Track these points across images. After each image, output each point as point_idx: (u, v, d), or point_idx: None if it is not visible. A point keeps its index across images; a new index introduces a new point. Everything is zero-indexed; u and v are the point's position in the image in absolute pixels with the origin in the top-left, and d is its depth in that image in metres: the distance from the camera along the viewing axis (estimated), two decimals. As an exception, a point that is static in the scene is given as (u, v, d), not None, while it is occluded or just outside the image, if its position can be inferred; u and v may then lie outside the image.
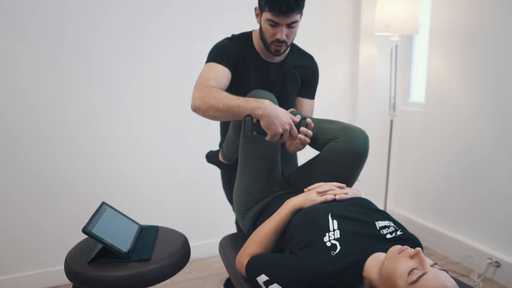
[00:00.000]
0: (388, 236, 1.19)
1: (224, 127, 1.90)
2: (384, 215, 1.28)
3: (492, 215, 2.37)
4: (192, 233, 2.15)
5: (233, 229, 2.35)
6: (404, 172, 3.01)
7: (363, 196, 1.40)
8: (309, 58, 1.79)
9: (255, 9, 1.62)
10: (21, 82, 2.15)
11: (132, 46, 2.34)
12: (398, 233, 1.21)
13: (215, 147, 2.03)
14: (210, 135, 2.16)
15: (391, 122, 2.78)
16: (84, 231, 1.23)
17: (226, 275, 2.42)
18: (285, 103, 1.68)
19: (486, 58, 2.34)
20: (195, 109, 1.46)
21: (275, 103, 1.43)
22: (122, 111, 2.38)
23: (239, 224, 1.60)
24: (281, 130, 1.35)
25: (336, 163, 1.42)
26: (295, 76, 1.71)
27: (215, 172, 2.38)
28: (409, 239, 1.20)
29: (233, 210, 2.14)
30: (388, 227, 1.22)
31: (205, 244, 2.62)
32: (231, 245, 1.57)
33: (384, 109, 2.91)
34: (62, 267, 2.33)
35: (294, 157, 1.92)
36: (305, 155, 2.05)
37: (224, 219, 2.59)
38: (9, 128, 2.15)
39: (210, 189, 2.63)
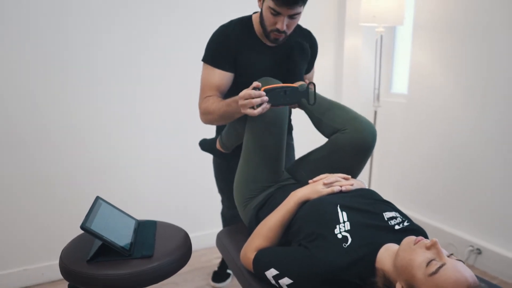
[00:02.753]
0: (396, 227, 1.19)
1: None
2: (391, 206, 1.28)
3: (473, 203, 2.44)
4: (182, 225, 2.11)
5: (219, 221, 2.32)
6: (387, 162, 3.05)
7: (367, 187, 1.40)
8: (309, 33, 1.77)
9: None
10: (21, 80, 2.07)
11: (132, 44, 2.29)
12: (405, 223, 1.21)
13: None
14: (205, 127, 2.10)
15: (375, 113, 2.80)
16: (83, 227, 1.17)
17: (214, 268, 2.39)
18: (295, 75, 1.63)
19: (469, 50, 2.38)
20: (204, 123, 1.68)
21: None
22: (121, 107, 2.33)
23: (240, 214, 1.56)
24: (241, 105, 1.33)
25: (342, 155, 1.41)
26: (303, 46, 1.65)
27: (200, 164, 2.36)
28: (416, 230, 1.21)
29: (222, 201, 2.13)
30: (395, 218, 1.22)
31: (191, 237, 2.56)
32: (230, 238, 1.53)
33: (368, 100, 2.93)
34: (41, 264, 2.24)
35: (291, 148, 1.90)
36: (304, 145, 2.05)
37: (210, 212, 2.56)
38: (8, 123, 2.08)
39: (193, 182, 2.59)
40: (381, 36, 2.63)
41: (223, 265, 2.36)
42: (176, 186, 2.57)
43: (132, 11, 2.27)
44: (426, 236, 1.19)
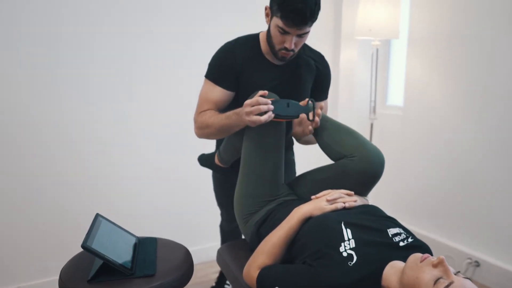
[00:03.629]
0: (401, 243, 1.19)
1: None
2: (394, 222, 1.28)
3: (471, 215, 2.45)
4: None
5: (216, 235, 2.30)
6: (384, 175, 3.04)
7: (370, 203, 1.40)
8: (321, 57, 1.71)
9: (266, 8, 1.52)
10: (19, 86, 2.06)
11: (122, 52, 2.27)
12: (410, 240, 1.21)
13: (207, 151, 1.97)
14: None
15: (371, 125, 2.81)
16: (84, 247, 1.15)
17: (211, 284, 2.36)
18: (300, 91, 1.61)
19: (463, 62, 2.41)
20: (198, 137, 1.66)
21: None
22: (116, 113, 2.32)
23: (241, 229, 1.55)
24: (245, 117, 1.36)
25: (348, 181, 1.40)
26: (309, 63, 1.62)
27: (196, 177, 2.35)
28: (420, 246, 1.20)
29: (221, 214, 2.11)
30: (399, 234, 1.22)
31: (188, 252, 2.55)
32: (231, 254, 1.52)
33: (364, 113, 2.94)
34: (35, 282, 2.20)
35: (292, 163, 1.89)
36: (305, 161, 2.05)
37: (206, 225, 2.55)
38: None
39: (190, 195, 2.57)
40: (377, 50, 2.66)
41: (220, 280, 2.33)
42: (171, 200, 2.54)
43: (126, 14, 2.26)
44: (430, 252, 1.18)
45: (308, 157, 2.08)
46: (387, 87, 3.05)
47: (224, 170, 1.82)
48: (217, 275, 2.41)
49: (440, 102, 2.57)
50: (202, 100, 1.62)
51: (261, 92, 1.36)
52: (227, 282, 2.32)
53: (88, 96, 2.23)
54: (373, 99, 2.78)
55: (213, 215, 2.36)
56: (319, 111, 1.47)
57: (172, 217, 2.55)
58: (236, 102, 1.61)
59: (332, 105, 3.00)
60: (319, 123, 1.48)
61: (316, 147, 1.56)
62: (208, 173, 2.02)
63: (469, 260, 2.43)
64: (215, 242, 2.56)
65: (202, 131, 1.60)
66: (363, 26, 2.54)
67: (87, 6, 2.15)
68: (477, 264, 2.39)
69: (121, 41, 2.27)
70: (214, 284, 2.34)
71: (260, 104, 1.33)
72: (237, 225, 2.11)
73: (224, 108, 1.62)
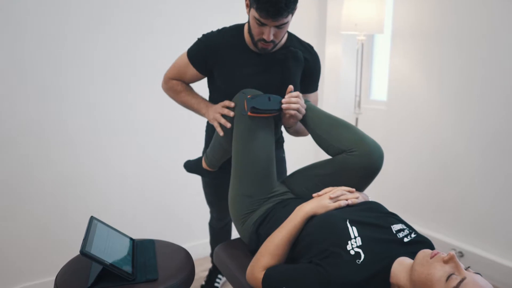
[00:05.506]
0: (405, 239, 1.19)
1: (209, 134, 1.81)
2: (397, 218, 1.28)
3: (454, 207, 2.50)
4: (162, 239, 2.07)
5: (204, 232, 2.27)
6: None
7: (370, 199, 1.40)
8: (310, 48, 1.69)
9: (245, 0, 1.50)
10: (14, 85, 2.00)
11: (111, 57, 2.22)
12: (413, 235, 1.22)
13: (198, 149, 1.94)
14: (196, 136, 2.06)
15: (356, 119, 2.83)
16: (83, 253, 1.09)
17: (201, 282, 2.32)
18: (288, 85, 1.59)
19: (446, 57, 2.45)
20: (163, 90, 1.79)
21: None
22: (111, 114, 2.28)
23: (237, 230, 1.51)
24: (212, 118, 1.55)
25: (349, 176, 1.39)
26: (297, 55, 1.59)
27: (184, 176, 2.30)
28: (423, 242, 1.21)
29: (211, 212, 2.08)
30: (403, 230, 1.22)
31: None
32: (229, 254, 1.48)
33: (349, 107, 2.96)
34: (22, 285, 2.12)
35: (283, 161, 1.87)
36: (295, 158, 2.03)
37: (193, 223, 2.53)
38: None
39: (178, 193, 2.52)
40: (362, 44, 2.66)
41: (210, 278, 2.30)
42: (160, 197, 2.50)
43: (127, 14, 2.23)
44: (433, 247, 1.19)
45: (298, 154, 2.07)
46: (370, 82, 3.07)
47: (212, 174, 1.80)
48: (206, 273, 2.38)
49: (423, 96, 2.60)
50: (175, 67, 1.72)
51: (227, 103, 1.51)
52: (217, 280, 2.29)
53: (86, 97, 2.19)
54: (358, 93, 2.79)
55: (201, 212, 2.33)
56: (292, 99, 1.45)
57: (159, 215, 2.50)
58: (222, 91, 1.63)
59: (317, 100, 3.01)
60: (303, 111, 1.48)
61: (305, 144, 1.55)
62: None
63: (453, 251, 2.47)
64: (203, 239, 2.54)
65: (168, 91, 1.76)
66: (349, 21, 2.54)
67: (91, 4, 2.12)
68: (461, 254, 2.45)
69: (121, 41, 2.24)
70: (203, 283, 2.31)
71: (225, 105, 1.50)
72: (227, 223, 2.10)
73: (192, 83, 1.76)
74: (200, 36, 1.65)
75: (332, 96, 3.00)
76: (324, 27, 2.85)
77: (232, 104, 1.48)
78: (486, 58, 2.26)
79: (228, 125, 1.47)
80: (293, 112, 1.44)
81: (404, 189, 2.80)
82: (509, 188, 2.24)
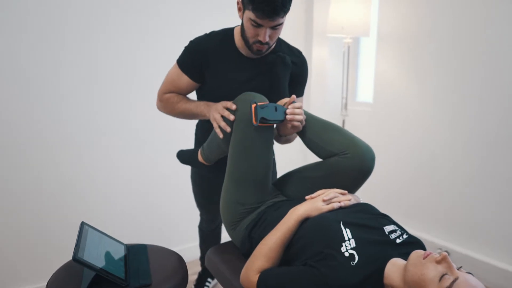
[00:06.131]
0: (398, 240, 1.21)
1: (198, 137, 1.80)
2: (388, 219, 1.30)
3: (440, 207, 2.54)
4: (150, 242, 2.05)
5: (190, 236, 2.26)
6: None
7: (362, 201, 1.41)
8: (299, 52, 1.71)
9: (238, 3, 1.49)
10: (22, 87, 2.00)
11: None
12: (405, 236, 1.23)
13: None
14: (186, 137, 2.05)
15: (343, 121, 2.85)
16: (76, 259, 1.08)
17: (190, 285, 2.31)
18: (279, 90, 1.59)
19: (431, 60, 2.49)
20: (158, 110, 1.75)
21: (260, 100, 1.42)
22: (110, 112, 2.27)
23: (229, 234, 1.51)
24: (212, 118, 1.48)
25: (342, 178, 1.40)
26: (285, 60, 1.59)
27: (161, 179, 2.34)
28: (415, 242, 1.23)
29: (200, 215, 2.07)
30: (395, 231, 1.24)
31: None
32: (222, 258, 1.48)
33: (336, 109, 2.98)
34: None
35: (273, 163, 1.87)
36: (284, 161, 2.03)
37: (181, 226, 2.52)
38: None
39: (166, 196, 2.51)
40: (348, 47, 2.69)
41: (200, 282, 2.29)
42: (147, 202, 2.47)
43: (127, 14, 2.23)
44: (424, 248, 1.21)
45: (287, 157, 2.08)
46: (356, 84, 3.10)
47: (207, 168, 1.76)
48: (195, 276, 2.37)
49: (408, 98, 2.64)
50: (168, 81, 1.67)
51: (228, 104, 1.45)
52: (207, 283, 2.29)
53: (85, 98, 2.18)
54: (344, 95, 2.82)
55: (190, 216, 2.32)
56: (296, 111, 1.44)
57: (147, 219, 2.48)
58: (208, 92, 1.63)
59: (304, 102, 3.02)
60: (304, 122, 1.47)
61: (293, 145, 1.56)
62: (186, 174, 1.97)
63: (439, 250, 2.52)
64: (192, 243, 2.52)
65: (164, 107, 1.70)
66: (335, 24, 2.56)
67: (92, 4, 2.10)
68: (447, 253, 2.49)
69: (121, 43, 2.23)
70: (193, 287, 2.29)
71: (227, 107, 1.43)
72: (217, 225, 2.09)
73: (187, 94, 1.70)
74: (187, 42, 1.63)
75: (319, 98, 3.02)
76: (310, 30, 2.87)
77: (233, 107, 1.41)
78: (470, 59, 2.31)
79: (228, 129, 1.41)
80: (297, 123, 1.44)
81: (390, 190, 2.83)
82: (493, 187, 2.29)
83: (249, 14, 1.41)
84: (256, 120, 1.34)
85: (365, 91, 3.06)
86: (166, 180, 2.47)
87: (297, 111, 1.44)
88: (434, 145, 2.53)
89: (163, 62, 1.82)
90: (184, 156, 1.82)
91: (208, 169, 1.76)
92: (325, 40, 2.93)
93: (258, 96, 1.41)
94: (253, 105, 1.34)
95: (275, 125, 1.52)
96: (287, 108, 1.44)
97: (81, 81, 2.16)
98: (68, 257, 1.29)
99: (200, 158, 1.74)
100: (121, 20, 2.21)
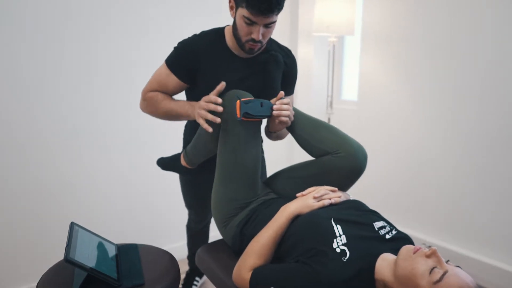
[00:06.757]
0: (387, 236, 1.23)
1: (189, 131, 1.79)
2: (377, 215, 1.32)
3: (424, 203, 2.59)
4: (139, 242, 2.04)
5: (176, 236, 2.25)
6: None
7: (351, 198, 1.43)
8: (289, 51, 1.71)
9: (230, 1, 1.49)
10: (21, 86, 1.99)
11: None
12: (394, 232, 1.26)
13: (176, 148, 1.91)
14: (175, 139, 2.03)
15: (329, 119, 2.88)
16: (68, 260, 1.07)
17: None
18: (272, 89, 1.59)
19: (414, 58, 2.53)
20: (142, 110, 1.71)
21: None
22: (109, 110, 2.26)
23: (220, 232, 1.51)
24: (197, 115, 1.44)
25: (335, 177, 1.42)
26: (277, 58, 1.60)
27: (145, 177, 2.33)
28: (404, 238, 1.26)
29: (189, 214, 2.06)
30: (384, 227, 1.26)
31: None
32: (212, 256, 1.48)
33: (321, 107, 3.01)
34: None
35: (263, 161, 1.88)
36: (274, 158, 2.03)
37: (168, 225, 2.51)
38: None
39: (152, 196, 2.50)
40: (333, 46, 2.72)
41: (188, 281, 2.28)
42: (133, 201, 2.46)
43: (126, 14, 2.22)
44: (412, 243, 1.24)
45: (277, 154, 2.09)
46: (341, 82, 3.14)
47: (191, 172, 1.76)
48: (183, 276, 2.36)
49: (392, 96, 2.69)
50: (155, 80, 1.64)
51: (219, 87, 1.44)
52: (195, 282, 2.28)
53: (84, 98, 2.17)
54: (330, 94, 2.85)
55: (177, 215, 2.31)
56: (283, 106, 1.45)
57: (133, 218, 2.46)
58: (200, 93, 1.59)
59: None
60: (292, 117, 1.49)
61: (282, 142, 1.57)
62: (174, 174, 1.96)
63: (423, 245, 2.57)
64: (179, 242, 2.51)
65: (148, 105, 1.66)
66: (321, 23, 2.58)
67: (91, 5, 2.09)
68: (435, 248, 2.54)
69: (121, 43, 2.21)
70: (180, 286, 2.29)
71: (210, 101, 1.39)
72: (205, 224, 2.09)
73: (174, 95, 1.67)
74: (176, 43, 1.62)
75: (305, 97, 3.05)
76: (296, 29, 2.89)
77: (219, 100, 1.39)
78: (453, 58, 2.36)
79: (218, 120, 1.37)
80: (284, 119, 1.45)
81: (375, 188, 2.87)
82: (492, 187, 2.30)
83: (242, 11, 1.41)
84: (240, 114, 1.35)
85: (350, 90, 3.10)
86: (158, 179, 2.45)
87: (285, 107, 1.45)
88: (421, 141, 2.57)
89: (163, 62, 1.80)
90: (165, 163, 1.82)
91: (190, 172, 1.76)
92: (311, 39, 2.96)
93: (241, 92, 1.43)
94: (238, 101, 1.36)
95: (262, 121, 1.52)
96: (274, 104, 1.45)
97: (81, 81, 2.14)
98: (58, 258, 1.28)
99: (183, 162, 1.74)
100: (121, 20, 2.20)
